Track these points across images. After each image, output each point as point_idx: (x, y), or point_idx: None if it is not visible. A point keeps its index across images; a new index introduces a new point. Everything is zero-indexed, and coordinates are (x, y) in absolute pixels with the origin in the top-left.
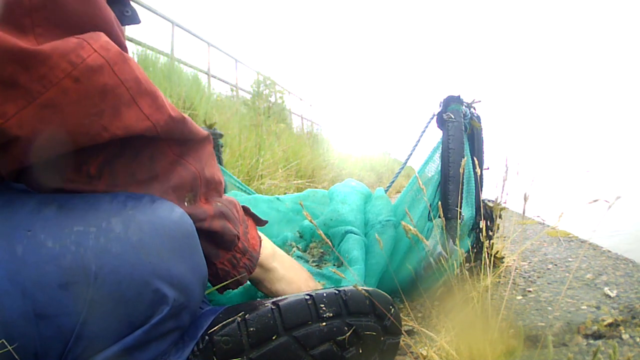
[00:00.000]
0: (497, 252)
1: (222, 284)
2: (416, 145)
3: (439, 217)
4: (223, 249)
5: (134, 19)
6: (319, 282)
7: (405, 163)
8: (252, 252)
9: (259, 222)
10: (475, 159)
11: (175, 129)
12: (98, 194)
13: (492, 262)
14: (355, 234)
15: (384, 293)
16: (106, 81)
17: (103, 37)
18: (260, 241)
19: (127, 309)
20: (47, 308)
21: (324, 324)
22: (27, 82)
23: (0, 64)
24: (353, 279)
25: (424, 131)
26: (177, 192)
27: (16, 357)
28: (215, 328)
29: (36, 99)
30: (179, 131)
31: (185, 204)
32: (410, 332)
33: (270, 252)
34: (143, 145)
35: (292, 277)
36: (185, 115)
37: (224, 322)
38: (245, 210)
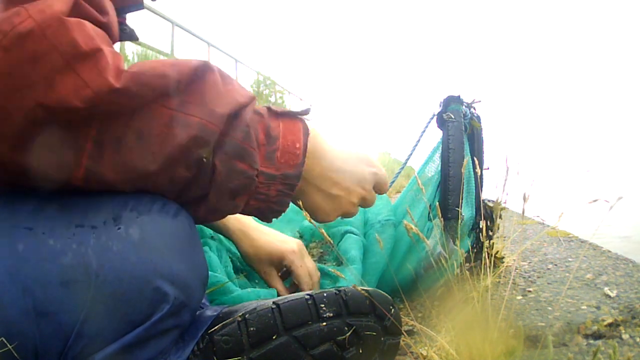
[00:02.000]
0: (497, 252)
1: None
2: (416, 145)
3: (439, 217)
4: (241, 196)
5: (131, 36)
6: (322, 279)
7: (405, 163)
8: (286, 172)
9: (295, 117)
10: (475, 159)
11: (137, 89)
12: (100, 193)
13: (492, 262)
14: (354, 234)
15: (384, 293)
16: (36, 47)
17: (53, 1)
18: (305, 141)
19: (128, 306)
20: (47, 306)
21: (324, 324)
22: None
23: None
24: (352, 279)
25: (424, 131)
26: (183, 156)
27: (16, 355)
28: (215, 328)
29: None
30: (149, 89)
31: (204, 160)
32: (410, 332)
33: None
34: (127, 116)
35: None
36: (165, 61)
37: (224, 322)
38: (278, 114)
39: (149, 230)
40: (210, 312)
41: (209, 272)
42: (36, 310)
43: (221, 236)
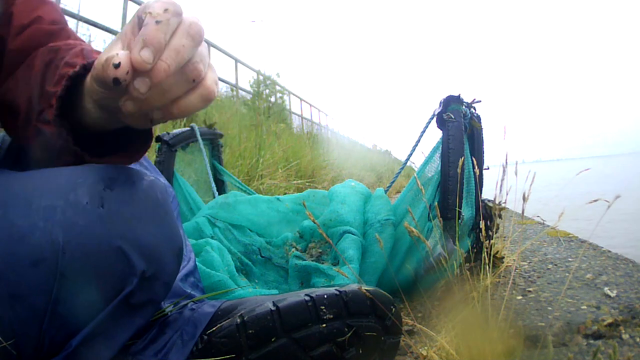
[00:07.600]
0: (497, 252)
1: None
2: (416, 145)
3: (439, 217)
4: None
5: None
6: (317, 278)
7: (405, 163)
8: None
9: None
10: (474, 158)
11: None
12: (66, 167)
13: (492, 262)
14: (352, 234)
15: (385, 292)
16: None
17: None
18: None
19: (97, 281)
20: (19, 288)
21: (324, 325)
22: None
23: None
24: (349, 278)
25: (424, 131)
26: None
27: None
28: (214, 329)
29: None
30: None
31: None
32: (410, 332)
33: None
34: None
35: None
36: None
37: (222, 323)
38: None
39: (115, 201)
40: (209, 307)
41: (210, 271)
42: (10, 294)
43: (221, 236)
